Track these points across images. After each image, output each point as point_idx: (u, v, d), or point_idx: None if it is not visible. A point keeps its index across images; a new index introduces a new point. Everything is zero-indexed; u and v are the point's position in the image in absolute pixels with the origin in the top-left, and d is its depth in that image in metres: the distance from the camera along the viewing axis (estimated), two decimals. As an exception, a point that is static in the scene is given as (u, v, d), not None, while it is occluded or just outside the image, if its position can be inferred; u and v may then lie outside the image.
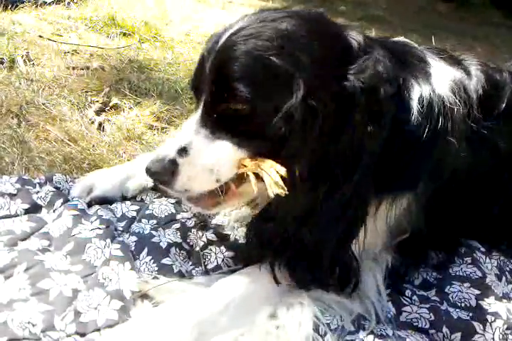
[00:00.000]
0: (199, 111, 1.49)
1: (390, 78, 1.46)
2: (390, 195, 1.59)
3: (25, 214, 1.78)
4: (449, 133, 1.56)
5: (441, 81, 1.63)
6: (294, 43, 1.41)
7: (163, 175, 1.45)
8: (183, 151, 1.44)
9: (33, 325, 1.37)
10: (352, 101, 1.39)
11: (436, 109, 1.56)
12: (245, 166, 1.45)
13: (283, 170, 1.37)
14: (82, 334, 1.38)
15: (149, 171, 1.47)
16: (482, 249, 1.88)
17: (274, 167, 1.38)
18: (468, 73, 1.74)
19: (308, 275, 1.52)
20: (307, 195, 1.44)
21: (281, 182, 1.35)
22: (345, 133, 1.39)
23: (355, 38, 1.51)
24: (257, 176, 1.42)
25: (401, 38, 1.79)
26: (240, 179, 1.49)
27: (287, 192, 1.35)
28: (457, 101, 1.60)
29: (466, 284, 1.72)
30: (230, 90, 1.40)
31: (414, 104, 1.53)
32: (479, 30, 7.85)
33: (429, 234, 1.72)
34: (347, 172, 1.41)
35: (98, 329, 1.40)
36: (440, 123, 1.55)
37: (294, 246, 1.49)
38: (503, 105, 1.76)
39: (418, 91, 1.55)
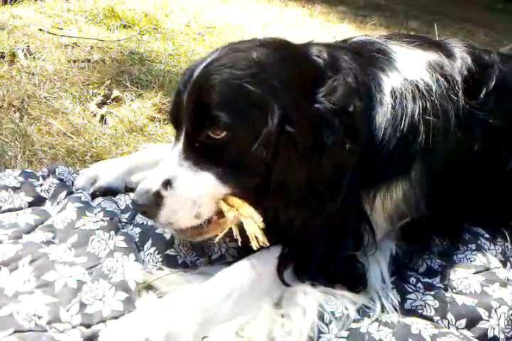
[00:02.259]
0: (180, 142, 1.51)
1: (359, 89, 1.54)
2: (383, 186, 1.61)
3: (29, 207, 1.79)
4: (429, 114, 1.60)
5: (412, 67, 1.67)
6: (266, 71, 1.47)
7: (149, 207, 1.48)
8: (167, 184, 1.47)
9: (39, 317, 1.37)
10: (326, 122, 1.45)
11: (410, 95, 1.60)
12: (226, 203, 1.48)
13: (260, 221, 1.41)
14: (88, 326, 1.39)
15: (136, 204, 1.51)
16: (486, 236, 1.88)
17: (251, 216, 1.41)
18: (450, 55, 1.78)
19: (311, 277, 1.54)
20: (298, 213, 1.49)
21: (260, 237, 1.39)
22: (325, 155, 1.45)
23: (319, 55, 1.60)
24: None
25: (362, 37, 1.84)
26: (221, 211, 1.51)
27: (268, 245, 1.40)
28: (435, 82, 1.65)
29: (471, 271, 1.72)
30: (210, 118, 1.44)
31: (388, 99, 1.59)
32: (481, 17, 7.79)
33: (432, 219, 1.71)
34: (332, 191, 1.48)
35: (103, 321, 1.40)
36: (418, 108, 1.59)
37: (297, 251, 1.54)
38: (492, 83, 1.79)
39: (389, 84, 1.61)
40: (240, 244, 1.45)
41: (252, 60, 1.49)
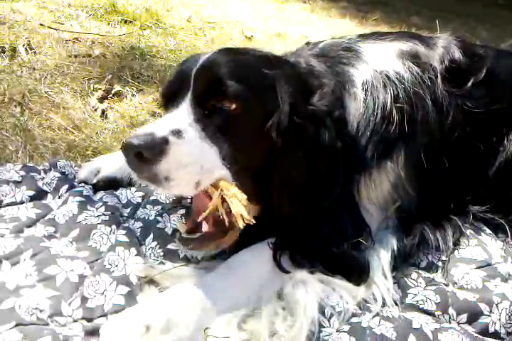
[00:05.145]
0: (184, 105, 1.46)
1: (341, 94, 1.64)
2: (366, 174, 1.64)
3: (30, 201, 1.79)
4: (401, 101, 1.65)
5: (381, 58, 1.74)
6: (271, 66, 1.55)
7: (149, 149, 1.30)
8: (177, 133, 1.37)
9: (41, 311, 1.38)
10: (323, 122, 1.52)
11: (381, 85, 1.66)
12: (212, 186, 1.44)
13: (244, 199, 1.38)
14: (89, 320, 1.39)
15: (130, 144, 1.29)
16: (488, 231, 1.88)
17: (235, 195, 1.39)
18: (430, 45, 1.84)
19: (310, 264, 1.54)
20: (301, 205, 1.52)
21: (245, 215, 1.36)
22: (323, 153, 1.51)
23: (298, 66, 1.68)
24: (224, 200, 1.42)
25: (329, 40, 1.91)
26: (215, 212, 1.45)
27: (254, 222, 1.38)
28: (408, 70, 1.71)
29: (472, 266, 1.72)
30: (224, 86, 1.43)
31: (360, 93, 1.65)
32: (483, 12, 7.77)
33: (423, 209, 1.75)
34: (329, 185, 1.54)
35: (105, 315, 1.41)
36: (390, 97, 1.65)
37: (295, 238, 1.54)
38: (482, 74, 1.84)
39: (359, 77, 1.68)
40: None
41: (256, 55, 1.57)
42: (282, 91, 1.50)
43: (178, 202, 1.86)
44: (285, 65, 1.64)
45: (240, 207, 1.37)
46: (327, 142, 1.51)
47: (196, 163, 1.39)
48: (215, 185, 1.44)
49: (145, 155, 1.30)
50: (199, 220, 1.45)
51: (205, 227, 1.47)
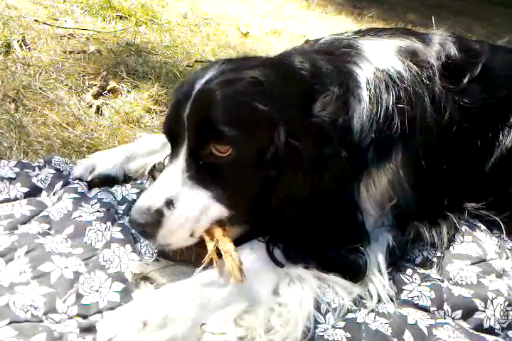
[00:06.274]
0: (180, 158, 1.48)
1: (347, 99, 1.62)
2: (365, 174, 1.64)
3: (24, 197, 1.77)
4: (402, 102, 1.65)
5: (381, 55, 1.74)
6: (270, 88, 1.50)
7: (149, 227, 1.43)
8: (170, 203, 1.44)
9: (35, 308, 1.37)
10: (325, 135, 1.50)
11: (384, 86, 1.66)
12: (207, 234, 1.48)
13: (238, 258, 1.39)
14: (84, 317, 1.39)
15: (135, 222, 1.44)
16: (482, 227, 1.88)
17: (230, 253, 1.40)
18: (426, 42, 1.85)
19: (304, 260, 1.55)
20: (303, 216, 1.53)
21: (238, 275, 1.37)
22: (328, 167, 1.50)
23: (302, 67, 1.65)
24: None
25: (329, 36, 1.91)
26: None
27: (243, 283, 1.38)
28: (407, 69, 1.71)
29: (467, 262, 1.73)
30: (215, 133, 1.43)
31: (364, 95, 1.64)
32: (479, 9, 7.78)
33: (419, 206, 1.75)
34: (335, 198, 1.55)
35: (100, 312, 1.41)
36: (392, 98, 1.65)
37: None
38: (477, 71, 1.85)
39: (364, 77, 1.67)
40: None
41: (255, 77, 1.51)
42: (279, 124, 1.46)
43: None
44: (287, 73, 1.62)
45: (233, 266, 1.38)
46: (332, 155, 1.50)
47: (189, 219, 1.46)
48: (209, 233, 1.48)
49: (147, 232, 1.45)
50: (202, 266, 1.46)
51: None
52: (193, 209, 1.46)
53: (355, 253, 1.57)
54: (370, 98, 1.64)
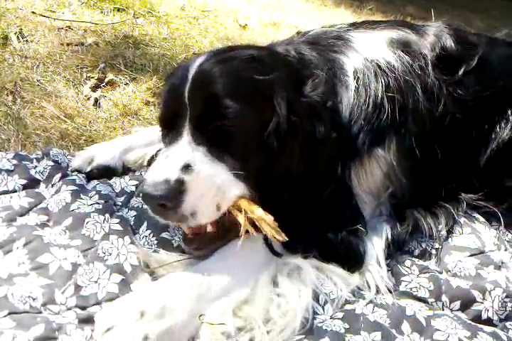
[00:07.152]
0: (184, 134, 1.47)
1: (334, 83, 1.64)
2: (358, 161, 1.65)
3: (23, 189, 1.77)
4: (392, 90, 1.66)
5: (371, 46, 1.75)
6: (265, 65, 1.55)
7: (170, 198, 1.35)
8: (187, 168, 1.39)
9: (34, 299, 1.37)
10: (317, 114, 1.53)
11: (372, 75, 1.67)
12: (234, 208, 1.46)
13: (272, 220, 1.40)
14: (83, 308, 1.39)
15: (150, 196, 1.35)
16: (481, 219, 1.88)
17: (263, 218, 1.40)
18: (421, 33, 1.85)
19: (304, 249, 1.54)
20: (300, 196, 1.53)
21: (278, 237, 1.39)
22: (320, 146, 1.52)
23: (288, 54, 1.70)
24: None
25: (319, 28, 1.93)
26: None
27: (287, 239, 1.39)
28: (398, 59, 1.72)
29: (466, 253, 1.73)
30: (220, 107, 1.43)
31: (351, 82, 1.66)
32: (478, 2, 7.75)
33: (415, 196, 1.76)
34: (327, 177, 1.57)
35: (99, 303, 1.41)
36: (381, 86, 1.66)
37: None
38: (474, 62, 1.84)
39: (351, 65, 1.69)
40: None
41: (250, 55, 1.55)
42: (278, 96, 1.48)
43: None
44: (276, 57, 1.64)
45: (272, 230, 1.39)
46: (323, 135, 1.53)
47: (213, 186, 1.42)
48: (237, 206, 1.46)
49: (168, 205, 1.36)
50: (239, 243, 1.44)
51: (209, 228, 1.50)
52: (214, 172, 1.43)
53: (354, 236, 1.58)
54: (357, 86, 1.65)
